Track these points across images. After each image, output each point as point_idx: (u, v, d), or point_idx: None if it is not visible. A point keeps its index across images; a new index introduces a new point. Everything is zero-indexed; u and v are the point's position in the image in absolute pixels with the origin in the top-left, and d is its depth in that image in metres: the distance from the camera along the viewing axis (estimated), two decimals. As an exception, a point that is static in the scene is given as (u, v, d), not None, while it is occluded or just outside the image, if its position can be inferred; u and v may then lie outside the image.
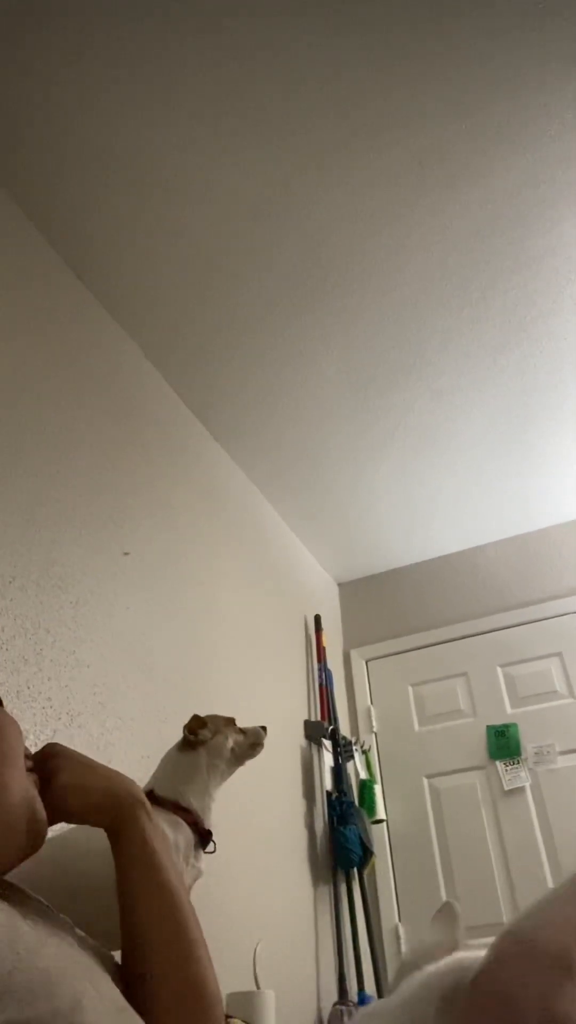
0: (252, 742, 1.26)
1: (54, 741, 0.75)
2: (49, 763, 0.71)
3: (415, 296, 2.19)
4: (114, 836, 0.71)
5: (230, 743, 1.22)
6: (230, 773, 1.21)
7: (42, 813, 0.64)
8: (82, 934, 0.65)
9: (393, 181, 1.87)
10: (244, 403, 2.54)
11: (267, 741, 1.27)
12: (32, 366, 1.72)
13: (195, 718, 1.20)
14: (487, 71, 1.65)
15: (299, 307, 2.20)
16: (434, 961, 0.42)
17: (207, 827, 1.10)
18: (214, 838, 1.10)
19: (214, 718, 1.24)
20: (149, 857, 0.70)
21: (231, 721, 1.26)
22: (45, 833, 0.65)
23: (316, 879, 2.36)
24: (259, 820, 2.10)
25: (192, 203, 1.89)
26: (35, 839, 0.63)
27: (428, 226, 1.99)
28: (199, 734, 1.18)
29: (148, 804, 0.74)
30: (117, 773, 0.74)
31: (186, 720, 1.21)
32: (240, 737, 1.25)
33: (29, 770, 0.67)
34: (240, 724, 1.28)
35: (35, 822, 0.63)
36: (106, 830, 0.72)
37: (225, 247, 2.01)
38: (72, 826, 0.96)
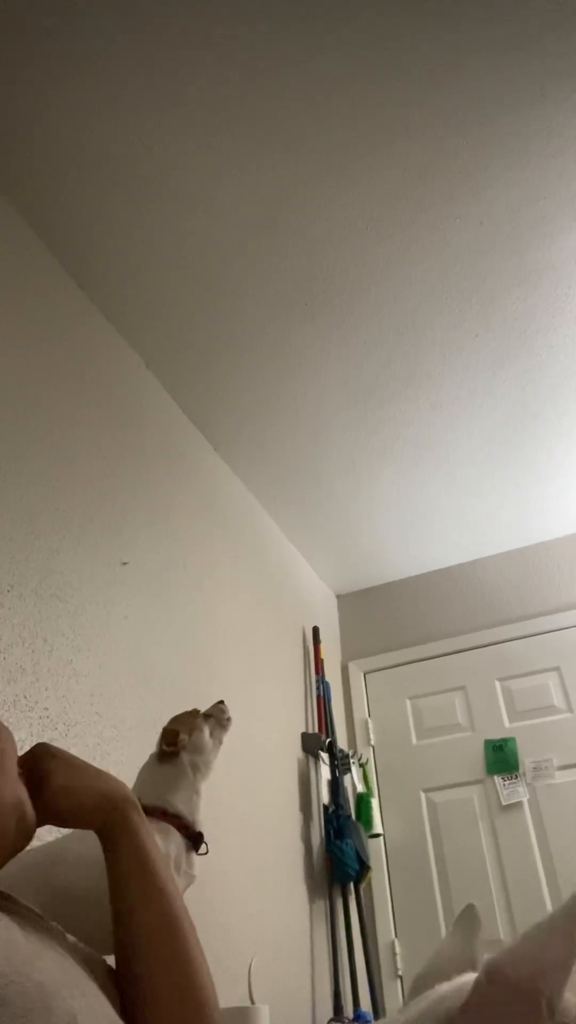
0: (220, 719, 1.25)
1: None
2: (40, 764, 0.70)
3: (415, 309, 2.21)
4: (106, 838, 0.71)
5: (207, 733, 1.21)
6: (214, 759, 1.20)
7: (31, 814, 0.64)
8: (73, 940, 0.65)
9: (393, 195, 1.88)
10: (244, 413, 2.55)
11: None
12: (34, 374, 1.73)
13: (167, 731, 1.18)
14: (487, 87, 1.66)
15: (299, 319, 2.22)
16: (447, 979, 0.42)
17: (198, 829, 1.09)
18: (205, 839, 1.09)
19: (180, 719, 1.22)
20: (142, 858, 0.70)
21: (195, 712, 1.25)
22: (32, 834, 0.64)
23: (312, 893, 2.34)
24: (255, 832, 2.09)
25: (194, 215, 1.90)
26: (22, 840, 0.63)
27: (428, 240, 2.00)
28: (179, 742, 1.17)
29: (139, 805, 0.74)
30: (108, 774, 0.74)
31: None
32: (211, 721, 1.24)
33: (20, 774, 0.66)
34: (237, 734, 1.27)
35: (23, 823, 0.63)
36: (98, 832, 0.71)
37: (226, 258, 2.02)
38: (62, 833, 0.96)
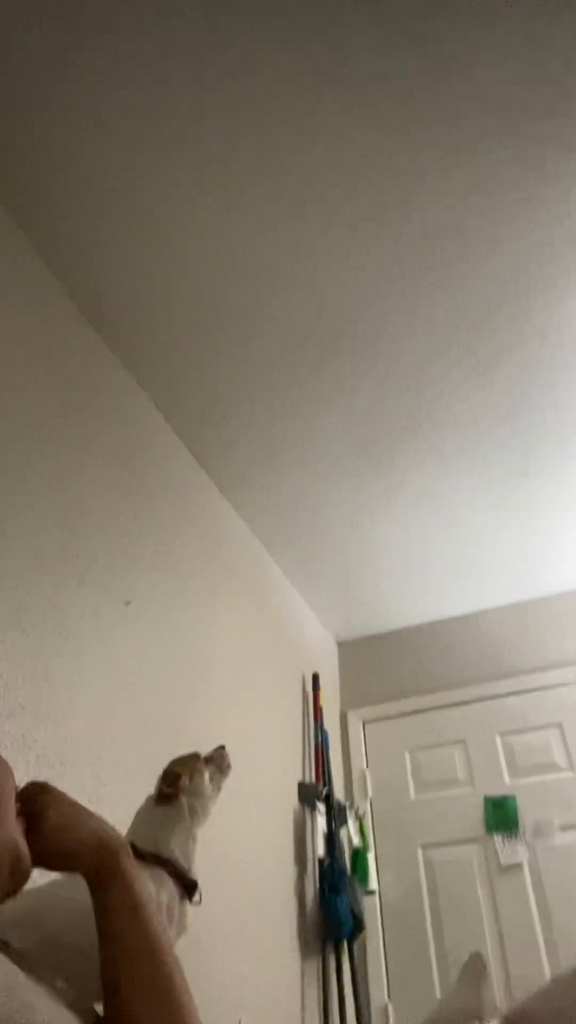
0: (221, 764, 1.24)
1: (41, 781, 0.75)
2: (37, 800, 0.70)
3: (422, 360, 2.25)
4: (97, 883, 0.70)
5: (207, 777, 1.19)
6: (212, 806, 1.18)
7: (26, 855, 0.63)
8: (62, 986, 0.64)
9: (404, 253, 1.94)
10: (250, 456, 2.58)
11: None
12: (45, 412, 1.76)
13: (168, 772, 1.17)
14: (497, 156, 1.73)
15: (307, 366, 2.26)
16: None
17: (193, 878, 1.07)
18: (200, 888, 1.07)
19: (182, 762, 1.21)
20: (134, 907, 0.69)
21: (197, 755, 1.24)
22: (28, 876, 0.64)
23: (304, 950, 2.27)
24: (247, 883, 2.04)
25: (208, 264, 1.96)
26: (17, 882, 0.63)
27: (436, 296, 2.05)
28: (179, 784, 1.15)
29: (132, 853, 0.73)
30: (102, 818, 0.74)
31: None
32: (212, 766, 1.23)
33: (18, 812, 0.66)
34: (234, 779, 1.26)
35: (18, 865, 0.62)
36: (88, 877, 0.70)
37: (237, 307, 2.07)
38: (51, 878, 0.94)
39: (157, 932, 0.69)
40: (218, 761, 1.24)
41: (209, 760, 1.23)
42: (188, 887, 1.05)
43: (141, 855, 1.03)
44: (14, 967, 0.53)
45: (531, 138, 1.70)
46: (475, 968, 0.50)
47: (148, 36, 1.50)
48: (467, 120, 1.66)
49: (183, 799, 1.13)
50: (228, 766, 1.25)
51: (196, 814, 1.13)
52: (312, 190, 1.79)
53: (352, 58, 1.55)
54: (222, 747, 1.28)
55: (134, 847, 1.05)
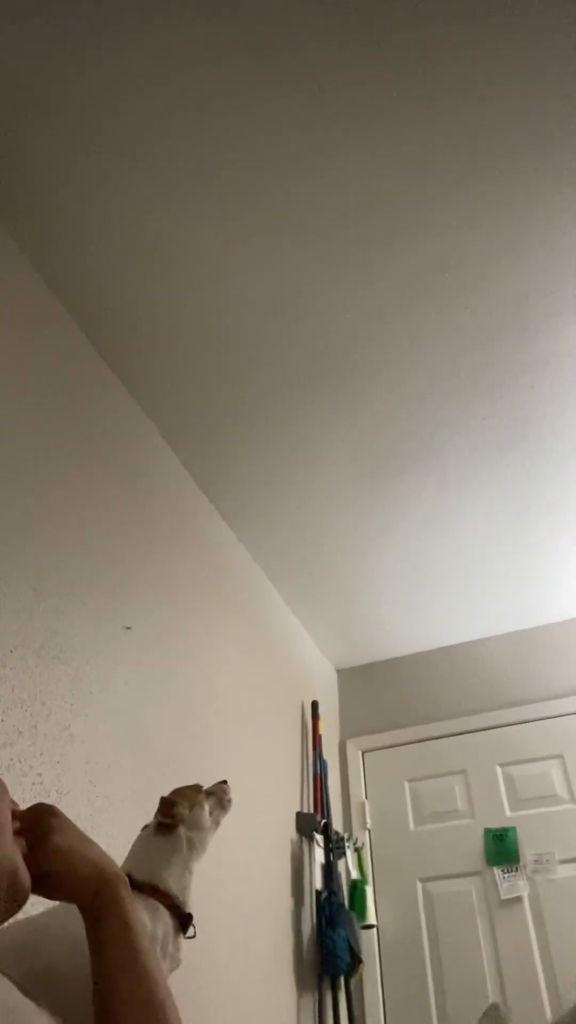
0: (222, 799, 1.23)
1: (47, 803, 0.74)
2: (43, 822, 0.69)
3: (424, 390, 2.27)
4: (93, 913, 0.69)
5: (207, 810, 1.18)
6: (210, 840, 1.17)
7: (25, 875, 0.63)
8: (47, 1017, 0.63)
9: (406, 284, 1.97)
10: (253, 484, 2.59)
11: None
12: (52, 437, 1.77)
13: (165, 801, 1.15)
14: (499, 189, 1.76)
15: (310, 395, 2.28)
16: None
17: (188, 911, 1.05)
18: (194, 921, 1.05)
19: (182, 792, 1.19)
20: (129, 939, 0.68)
21: (198, 788, 1.22)
22: (25, 900, 0.62)
23: (300, 985, 2.23)
24: (243, 915, 2.01)
25: (213, 293, 1.99)
26: (14, 905, 0.62)
27: (438, 327, 2.08)
28: (176, 815, 1.14)
29: (128, 883, 0.73)
30: (103, 850, 0.73)
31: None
32: (212, 799, 1.21)
33: (17, 831, 0.65)
34: (232, 808, 1.25)
35: (16, 887, 0.61)
36: (84, 907, 0.70)
37: (241, 335, 2.10)
38: (43, 909, 0.93)
39: (151, 965, 0.68)
40: (219, 795, 1.23)
41: (211, 794, 1.22)
42: (183, 920, 1.04)
43: (137, 885, 1.02)
44: (16, 990, 0.53)
45: (532, 170, 1.73)
46: (494, 1018, 0.49)
47: (149, 64, 1.54)
48: (469, 150, 1.69)
49: (181, 831, 1.12)
50: (229, 801, 1.24)
51: (194, 847, 1.12)
52: (313, 219, 1.82)
53: (354, 88, 1.58)
54: (224, 782, 1.27)
55: (130, 877, 1.04)
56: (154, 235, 1.85)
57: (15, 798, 0.73)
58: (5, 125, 1.63)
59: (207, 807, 1.18)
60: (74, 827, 0.72)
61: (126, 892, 0.71)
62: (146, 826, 1.17)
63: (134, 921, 0.70)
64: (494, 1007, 0.50)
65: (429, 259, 1.91)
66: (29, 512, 1.60)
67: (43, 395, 1.80)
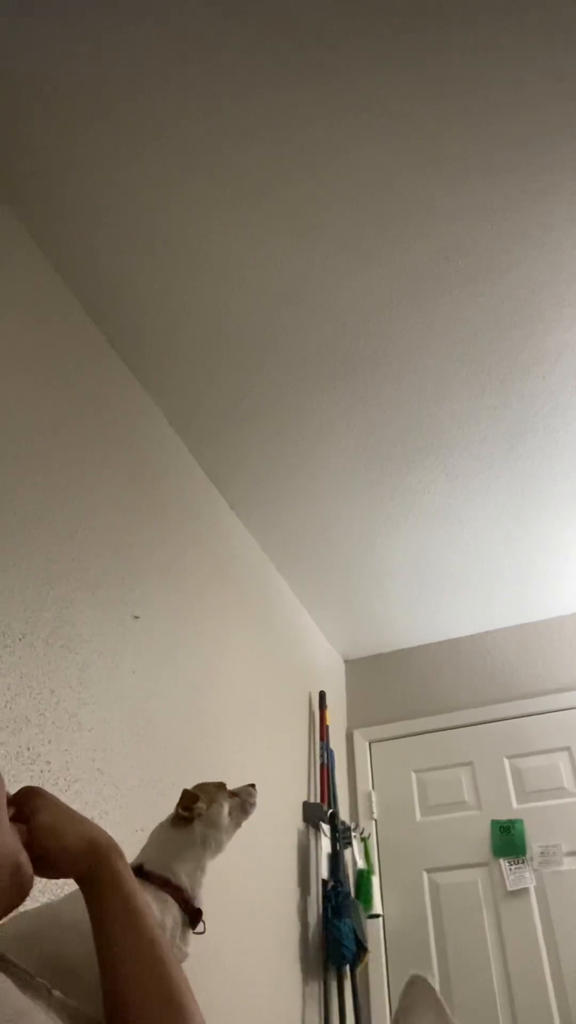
0: (245, 802, 1.22)
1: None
2: (27, 803, 0.69)
3: (435, 380, 2.25)
4: (89, 885, 0.69)
5: (226, 810, 1.17)
6: (228, 840, 1.17)
7: (27, 862, 0.63)
8: (59, 996, 0.63)
9: (418, 273, 1.95)
10: (261, 474, 2.58)
11: (265, 819, 1.24)
12: (59, 425, 1.77)
13: (187, 794, 1.15)
14: (510, 178, 1.74)
15: (320, 385, 2.26)
16: None
17: (197, 906, 1.05)
18: (204, 917, 1.06)
19: (204, 787, 1.19)
20: (128, 906, 0.68)
21: (222, 786, 1.22)
22: (29, 889, 0.62)
23: (306, 975, 2.24)
24: (249, 904, 2.02)
25: (223, 283, 1.97)
26: (18, 895, 0.62)
27: (450, 317, 2.06)
28: (195, 809, 1.14)
29: (123, 853, 0.73)
30: (94, 823, 0.73)
31: (179, 794, 1.17)
32: (235, 800, 1.21)
33: (12, 819, 0.65)
34: (248, 811, 1.24)
35: (19, 877, 0.61)
36: (80, 879, 0.69)
37: (251, 325, 2.08)
38: (46, 900, 0.93)
39: (153, 930, 0.68)
40: (244, 797, 1.22)
41: (234, 795, 1.22)
42: (192, 915, 1.04)
43: (148, 876, 1.03)
44: (9, 981, 0.53)
45: (545, 159, 1.71)
46: (420, 992, 0.47)
47: (157, 53, 1.53)
48: (479, 140, 1.67)
49: (197, 826, 1.11)
50: (252, 805, 1.22)
51: (208, 845, 1.11)
52: (323, 208, 1.80)
53: (363, 77, 1.56)
54: (252, 785, 1.26)
55: (142, 868, 1.04)
56: (163, 221, 1.83)
57: (22, 785, 0.73)
58: (14, 110, 1.61)
59: (227, 807, 1.17)
60: (60, 803, 0.72)
61: (120, 861, 0.71)
62: (168, 817, 1.17)
63: (130, 888, 0.70)
64: (418, 977, 0.49)
65: (439, 248, 1.89)
66: (37, 501, 1.59)
67: (50, 382, 1.79)
